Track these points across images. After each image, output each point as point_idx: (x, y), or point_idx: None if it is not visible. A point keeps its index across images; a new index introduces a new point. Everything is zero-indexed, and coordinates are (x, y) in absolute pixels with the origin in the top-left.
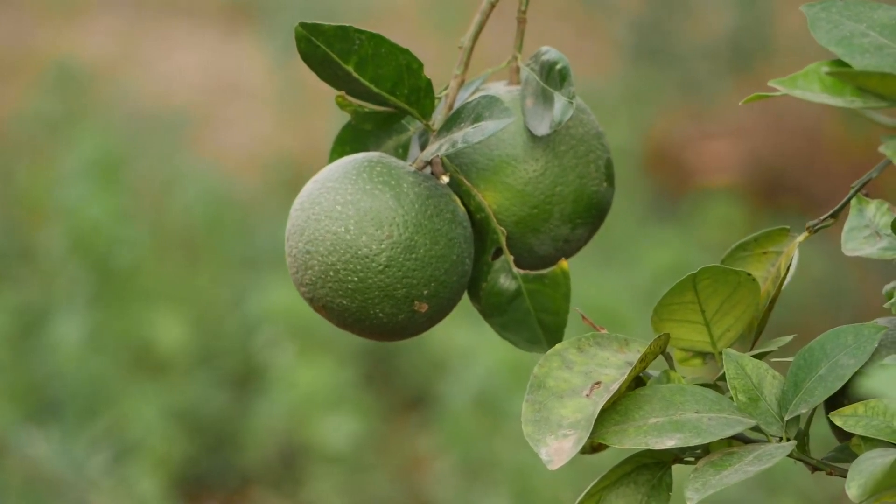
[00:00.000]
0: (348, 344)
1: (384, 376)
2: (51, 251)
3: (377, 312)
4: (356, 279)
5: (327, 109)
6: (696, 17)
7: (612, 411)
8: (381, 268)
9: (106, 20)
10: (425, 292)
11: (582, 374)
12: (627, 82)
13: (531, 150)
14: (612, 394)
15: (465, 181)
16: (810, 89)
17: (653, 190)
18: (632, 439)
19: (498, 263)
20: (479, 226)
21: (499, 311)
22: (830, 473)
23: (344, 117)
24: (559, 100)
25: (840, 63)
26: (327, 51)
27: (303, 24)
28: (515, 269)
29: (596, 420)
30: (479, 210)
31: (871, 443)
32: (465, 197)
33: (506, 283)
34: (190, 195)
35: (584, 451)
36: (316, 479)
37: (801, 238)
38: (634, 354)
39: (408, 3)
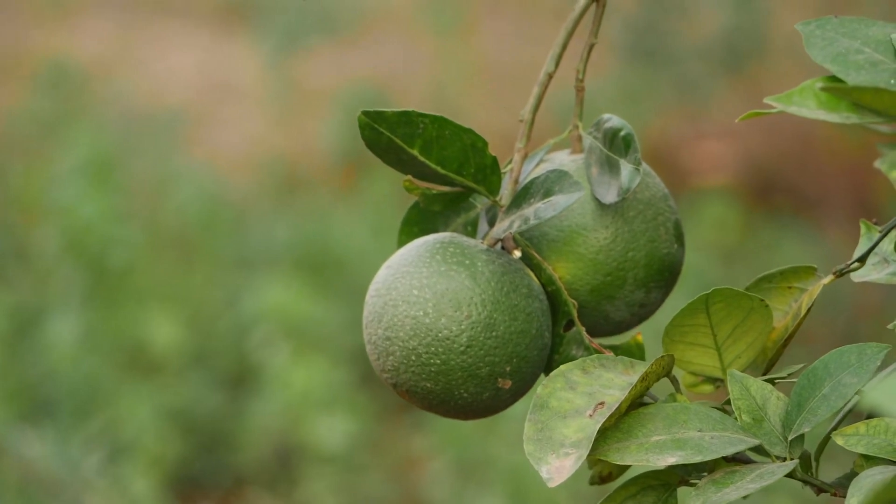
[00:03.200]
0: (342, 344)
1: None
2: (45, 251)
3: (462, 393)
4: (439, 362)
5: (320, 110)
6: (691, 18)
7: (615, 429)
8: (462, 348)
9: (100, 20)
10: (508, 369)
11: (586, 395)
12: (622, 82)
13: (600, 218)
14: (612, 411)
15: (536, 255)
16: (806, 105)
17: None
18: (633, 456)
19: (570, 335)
20: (551, 298)
21: None
22: (835, 494)
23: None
24: (625, 167)
25: (835, 79)
26: (391, 137)
27: (365, 113)
28: (588, 341)
29: (598, 437)
30: (550, 283)
31: (872, 461)
32: (535, 270)
33: (578, 354)
34: (184, 195)
35: (592, 481)
36: (310, 479)
37: (826, 280)
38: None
39: (402, 4)
